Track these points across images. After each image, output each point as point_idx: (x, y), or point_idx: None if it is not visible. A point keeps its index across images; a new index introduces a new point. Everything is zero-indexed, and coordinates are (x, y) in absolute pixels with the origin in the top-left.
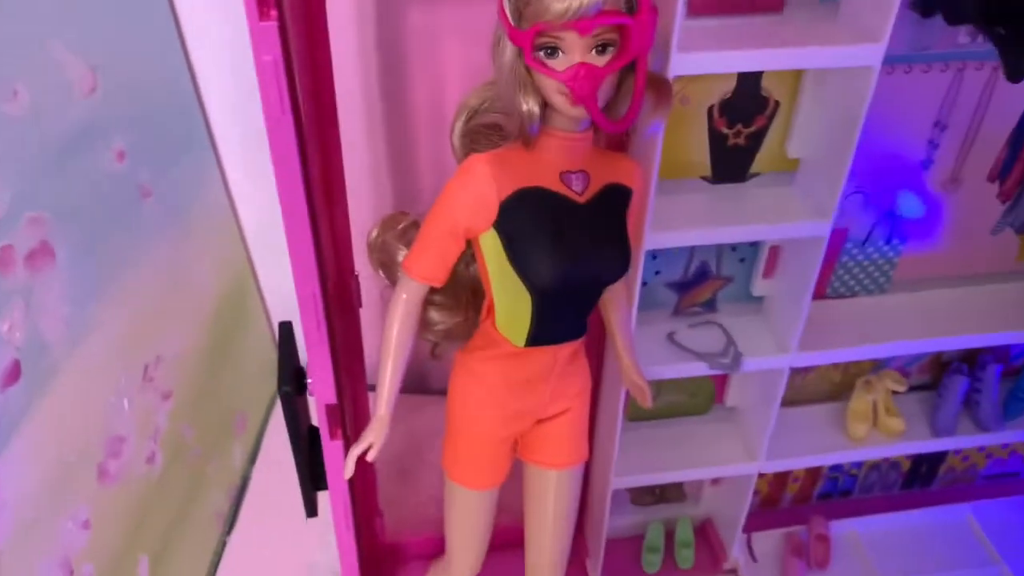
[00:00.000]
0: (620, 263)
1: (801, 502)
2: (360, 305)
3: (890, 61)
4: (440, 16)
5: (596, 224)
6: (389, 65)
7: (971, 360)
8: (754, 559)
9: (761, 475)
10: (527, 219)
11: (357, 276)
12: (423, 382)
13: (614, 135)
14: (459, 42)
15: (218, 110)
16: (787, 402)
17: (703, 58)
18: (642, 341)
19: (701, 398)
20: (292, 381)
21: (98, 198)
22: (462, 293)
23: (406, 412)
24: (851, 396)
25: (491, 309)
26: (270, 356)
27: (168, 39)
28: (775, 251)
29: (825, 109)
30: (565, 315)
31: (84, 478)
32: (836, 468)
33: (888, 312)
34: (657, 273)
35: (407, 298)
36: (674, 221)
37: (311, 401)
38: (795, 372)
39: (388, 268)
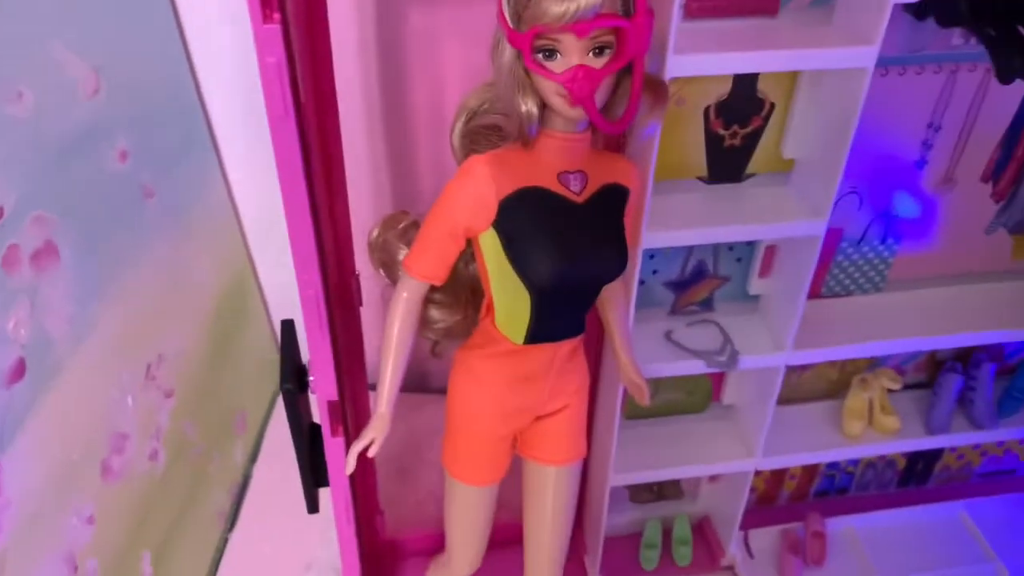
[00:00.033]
0: (618, 262)
1: (798, 499)
2: (361, 304)
3: (884, 63)
4: (439, 18)
5: (594, 223)
6: (389, 67)
7: (965, 359)
8: (751, 556)
9: (758, 472)
10: (526, 219)
11: (358, 275)
12: (423, 381)
13: (612, 136)
14: (458, 44)
15: (219, 110)
16: (784, 400)
17: (699, 60)
18: (640, 339)
19: (698, 396)
20: (294, 379)
21: (101, 198)
22: (462, 292)
23: (406, 411)
24: (847, 394)
25: (490, 307)
26: (270, 355)
27: (170, 40)
28: (771, 251)
29: (820, 110)
30: (563, 313)
31: (88, 475)
32: (833, 466)
33: (883, 311)
34: (654, 272)
35: (408, 296)
36: (671, 221)
37: (312, 399)
38: (791, 370)
39: (389, 267)
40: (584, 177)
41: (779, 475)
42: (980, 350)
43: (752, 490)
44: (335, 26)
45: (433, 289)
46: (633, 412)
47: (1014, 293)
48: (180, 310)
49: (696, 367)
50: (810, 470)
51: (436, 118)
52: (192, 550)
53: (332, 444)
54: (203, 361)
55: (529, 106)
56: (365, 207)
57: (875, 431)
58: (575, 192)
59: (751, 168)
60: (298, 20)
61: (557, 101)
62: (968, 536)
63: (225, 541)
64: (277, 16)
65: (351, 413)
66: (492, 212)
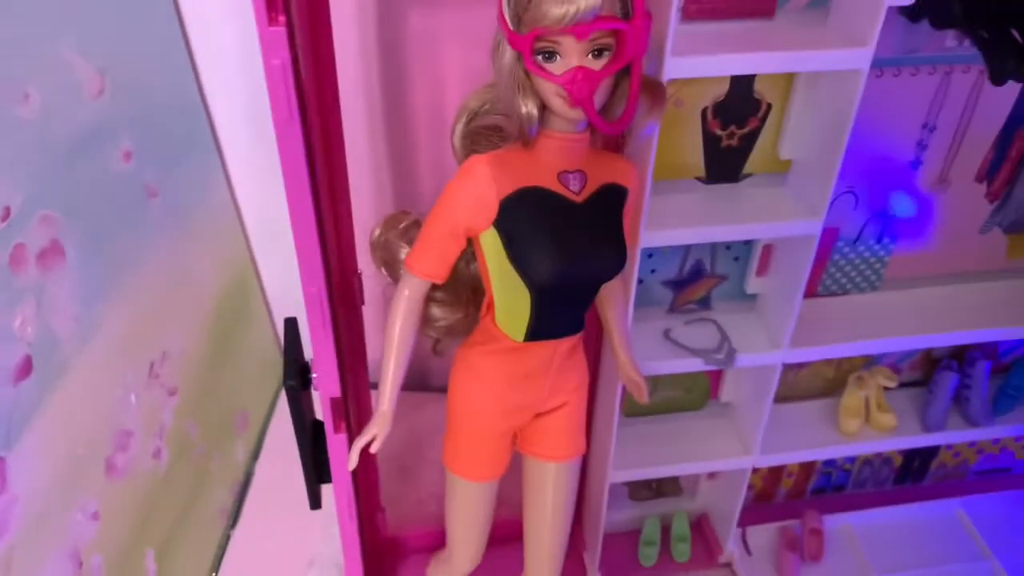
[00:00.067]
0: (616, 261)
1: (795, 497)
2: (363, 303)
3: (879, 64)
4: (440, 20)
5: (593, 223)
6: (390, 68)
7: (960, 357)
8: (749, 552)
9: (755, 470)
10: (526, 218)
11: (360, 274)
12: (424, 380)
13: (610, 136)
14: (459, 46)
15: (222, 111)
16: (781, 398)
17: (697, 62)
18: (638, 338)
19: (696, 394)
20: (297, 376)
21: (106, 198)
22: (463, 290)
23: (407, 410)
24: (843, 392)
25: (491, 305)
26: (272, 355)
27: (173, 42)
28: (768, 250)
29: (816, 111)
30: (563, 311)
31: (93, 472)
32: (829, 463)
33: (879, 310)
34: (653, 271)
35: (409, 294)
36: (669, 220)
37: (315, 397)
38: (788, 368)
39: (391, 266)
40: (583, 177)
41: (776, 473)
42: (975, 348)
43: (750, 488)
44: (337, 28)
45: (434, 287)
46: (632, 410)
47: (1009, 292)
48: (183, 309)
49: (694, 365)
50: (807, 468)
51: (437, 119)
52: (195, 547)
53: (335, 440)
54: (205, 360)
55: (529, 107)
56: (366, 207)
57: (871, 429)
58: (574, 192)
59: (748, 168)
60: (302, 22)
61: (557, 102)
62: (964, 533)
63: (227, 538)
64: (282, 19)
65: (353, 411)
66: (493, 211)
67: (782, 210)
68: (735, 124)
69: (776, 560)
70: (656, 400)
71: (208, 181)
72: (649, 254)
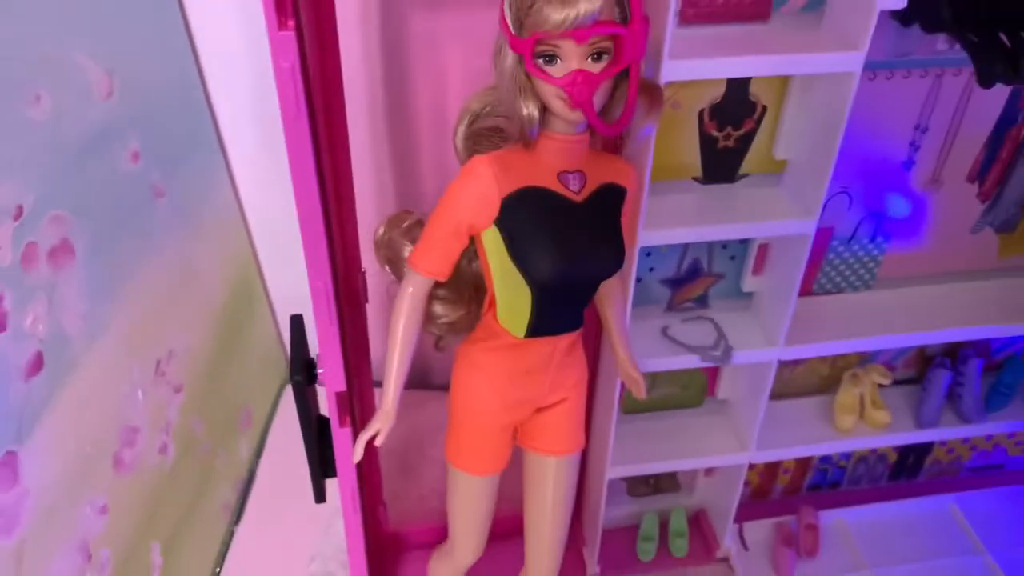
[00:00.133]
0: (615, 259)
1: (791, 493)
2: (366, 300)
3: (872, 67)
4: (442, 24)
5: (592, 222)
6: (393, 70)
7: (954, 355)
8: (745, 548)
9: (752, 466)
10: (527, 217)
11: (364, 272)
12: (425, 378)
13: (609, 138)
14: (460, 48)
15: (226, 111)
16: (777, 395)
17: (693, 65)
18: (637, 335)
19: (694, 391)
20: (303, 371)
21: (115, 198)
22: (465, 288)
23: (409, 408)
24: (838, 389)
25: (492, 302)
26: (274, 353)
27: (178, 43)
28: (764, 249)
29: (810, 113)
30: (563, 308)
31: (101, 467)
32: (825, 460)
33: (873, 308)
34: (651, 270)
35: (413, 292)
36: (667, 220)
37: (320, 393)
38: (784, 366)
39: (394, 264)
40: (583, 177)
41: (773, 469)
42: (967, 346)
43: (746, 484)
44: (341, 31)
45: (437, 285)
46: (630, 407)
47: (1000, 291)
48: (188, 308)
49: (691, 362)
50: (803, 464)
51: (438, 120)
52: (200, 542)
53: (340, 435)
54: (210, 358)
55: (530, 109)
56: (369, 206)
57: (866, 425)
58: (574, 191)
59: (744, 169)
60: (309, 26)
61: (557, 104)
62: (958, 529)
63: (231, 534)
64: (291, 23)
65: (357, 407)
66: (495, 210)
67: (777, 210)
68: (731, 126)
69: (772, 555)
70: (654, 397)
71: (213, 181)
72: (647, 253)
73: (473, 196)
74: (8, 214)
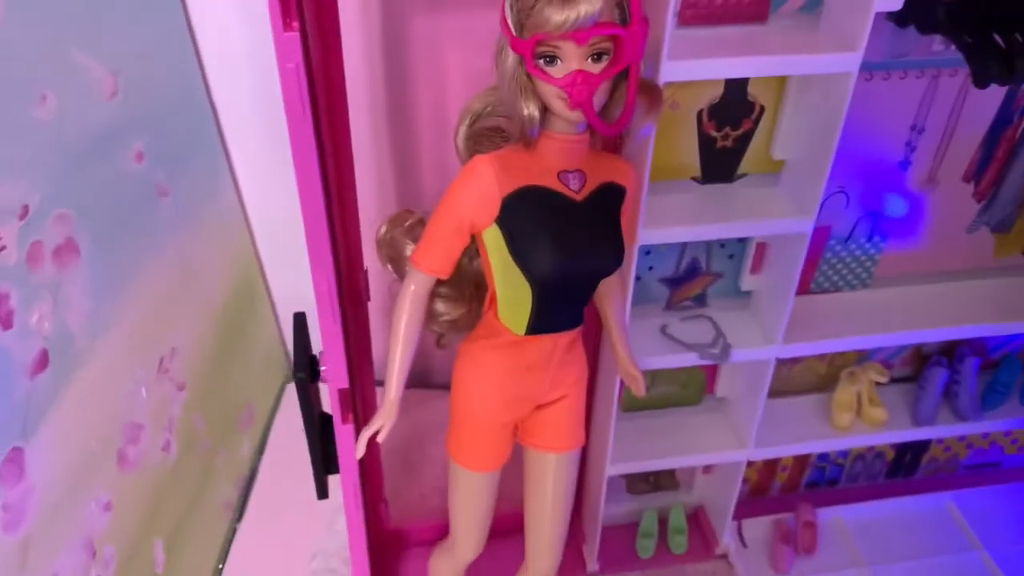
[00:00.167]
0: (614, 257)
1: (789, 490)
2: (368, 299)
3: (869, 68)
4: (443, 25)
5: (592, 220)
6: (394, 71)
7: (950, 353)
8: (744, 545)
9: (750, 463)
10: (528, 216)
11: (366, 271)
12: (426, 377)
13: (609, 137)
14: (461, 49)
15: (230, 113)
16: (775, 393)
17: (692, 65)
18: (636, 333)
19: (692, 389)
20: (306, 368)
21: (118, 197)
22: (466, 286)
23: (410, 406)
24: (836, 387)
25: (493, 300)
26: (276, 352)
27: (183, 45)
28: (762, 248)
29: (808, 113)
30: (563, 306)
31: (105, 464)
32: (823, 457)
33: (870, 306)
34: (650, 269)
35: (415, 290)
36: (666, 219)
37: (323, 390)
38: (782, 364)
39: (396, 263)
40: (583, 176)
41: (771, 467)
42: (964, 345)
43: (745, 481)
44: (344, 32)
45: (439, 283)
46: (630, 404)
47: (996, 289)
48: (191, 306)
49: (690, 360)
50: (801, 462)
51: (439, 120)
52: (202, 539)
53: (342, 431)
54: (212, 356)
55: (531, 109)
56: (370, 206)
57: (863, 423)
58: (574, 191)
59: (742, 169)
60: (312, 27)
61: (557, 104)
62: (955, 526)
63: (234, 531)
64: (296, 24)
65: (359, 405)
66: (496, 209)
67: (775, 209)
68: (729, 126)
69: (771, 552)
70: (653, 395)
71: (216, 181)
72: (646, 252)
73: (474, 195)
74: (14, 213)
